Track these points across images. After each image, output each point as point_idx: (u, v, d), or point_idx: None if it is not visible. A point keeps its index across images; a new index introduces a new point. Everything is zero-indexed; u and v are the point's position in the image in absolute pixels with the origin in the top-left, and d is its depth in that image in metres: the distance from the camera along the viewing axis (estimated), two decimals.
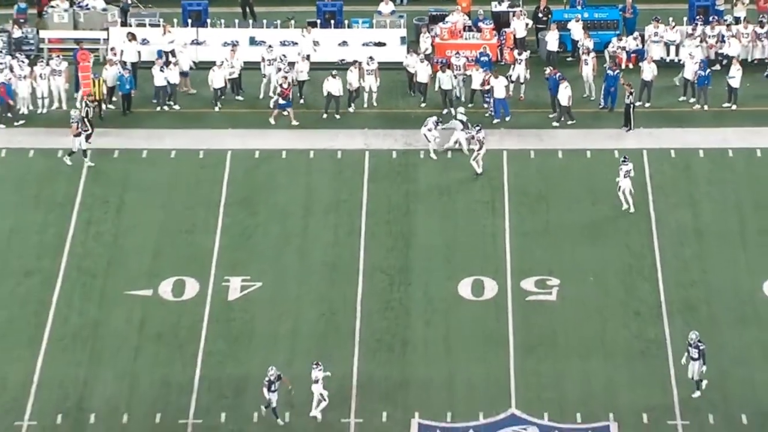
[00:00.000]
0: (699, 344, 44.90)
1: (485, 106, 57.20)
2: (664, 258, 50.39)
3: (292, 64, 57.76)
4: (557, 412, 44.89)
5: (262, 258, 50.60)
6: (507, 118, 56.82)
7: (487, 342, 47.46)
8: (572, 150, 55.36)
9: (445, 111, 57.04)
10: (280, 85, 56.48)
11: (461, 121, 55.06)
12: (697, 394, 44.90)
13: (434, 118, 54.79)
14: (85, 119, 54.67)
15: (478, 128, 53.59)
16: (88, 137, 54.21)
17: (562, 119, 56.57)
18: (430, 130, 54.48)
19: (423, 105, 57.84)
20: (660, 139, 55.77)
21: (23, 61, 57.27)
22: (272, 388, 43.75)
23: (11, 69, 56.87)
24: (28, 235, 51.27)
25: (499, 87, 56.41)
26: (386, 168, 54.64)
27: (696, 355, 44.84)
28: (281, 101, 56.55)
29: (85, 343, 47.21)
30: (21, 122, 56.54)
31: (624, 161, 51.23)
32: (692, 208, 52.24)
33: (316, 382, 44.03)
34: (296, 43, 59.18)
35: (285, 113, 56.74)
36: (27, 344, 47.13)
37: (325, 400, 44.11)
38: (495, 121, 56.55)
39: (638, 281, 49.53)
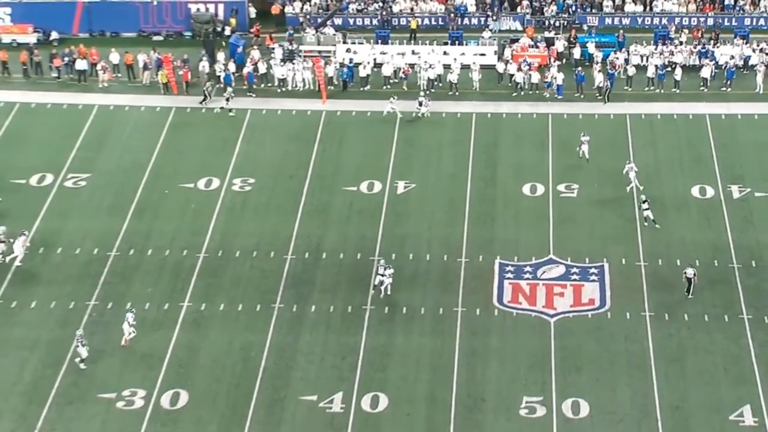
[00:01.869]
0: (647, 201, 45.84)
1: (546, 89, 56.03)
2: (639, 168, 49.41)
3: (431, 66, 57.11)
4: (575, 257, 44.85)
5: (415, 171, 50.34)
6: (559, 96, 55.93)
7: (538, 218, 47.24)
8: (588, 113, 54.40)
9: (514, 94, 56.07)
10: (403, 71, 56.56)
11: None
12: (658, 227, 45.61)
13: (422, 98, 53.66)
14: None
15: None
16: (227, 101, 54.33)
17: (600, 96, 55.65)
18: (420, 104, 53.74)
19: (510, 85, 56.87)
20: (636, 108, 54.75)
21: (298, 62, 57.51)
22: (381, 272, 42.78)
23: (289, 62, 57.20)
24: (291, 157, 51.21)
25: (560, 79, 55.84)
26: (484, 123, 53.91)
27: (647, 206, 45.67)
28: (403, 76, 56.51)
29: (320, 214, 47.43)
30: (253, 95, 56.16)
31: (629, 163, 49.00)
32: (652, 146, 51.53)
33: (384, 275, 42.52)
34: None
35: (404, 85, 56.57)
36: (290, 214, 47.39)
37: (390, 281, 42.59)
38: (558, 97, 55.54)
39: (620, 187, 48.72)
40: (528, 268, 44.38)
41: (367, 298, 42.82)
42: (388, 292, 42.46)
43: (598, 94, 55.60)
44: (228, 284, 43.50)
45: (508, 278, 43.89)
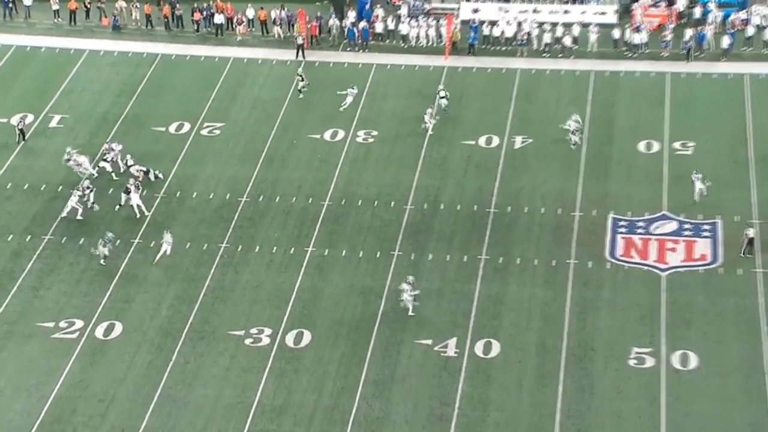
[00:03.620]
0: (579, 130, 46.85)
1: (663, 48, 54.50)
2: (756, 128, 48.38)
3: (553, 25, 55.99)
4: (688, 213, 43.94)
5: (532, 126, 49.60)
6: (684, 51, 54.15)
7: (652, 175, 46.28)
8: (706, 72, 53.02)
9: (631, 54, 54.63)
10: (524, 32, 55.32)
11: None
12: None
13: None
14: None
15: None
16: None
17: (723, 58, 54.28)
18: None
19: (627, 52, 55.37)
20: (752, 67, 53.09)
21: (422, 19, 57.03)
22: (408, 284, 39.12)
23: (414, 19, 56.78)
24: (413, 111, 50.56)
25: (687, 35, 54.13)
26: (600, 81, 52.86)
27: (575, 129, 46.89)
28: (520, 41, 55.29)
29: (438, 167, 47.14)
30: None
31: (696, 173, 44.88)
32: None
33: (405, 291, 39.17)
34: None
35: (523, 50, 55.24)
36: (410, 166, 47.18)
37: (415, 302, 39.11)
38: (683, 52, 53.88)
39: (737, 146, 47.65)
40: (641, 223, 43.63)
41: (482, 248, 42.55)
42: (410, 313, 39.26)
43: (723, 57, 54.02)
44: (350, 231, 43.70)
45: (621, 233, 43.20)
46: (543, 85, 52.93)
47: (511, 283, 41.00)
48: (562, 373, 37.09)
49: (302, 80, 51.93)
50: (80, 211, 44.37)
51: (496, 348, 38.21)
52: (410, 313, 39.30)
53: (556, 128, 49.37)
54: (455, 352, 38.01)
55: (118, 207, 44.91)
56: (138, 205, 44.51)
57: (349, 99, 50.44)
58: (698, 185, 44.18)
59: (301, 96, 51.83)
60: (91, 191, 44.88)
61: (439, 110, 49.85)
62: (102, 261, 42.05)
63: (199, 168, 47.83)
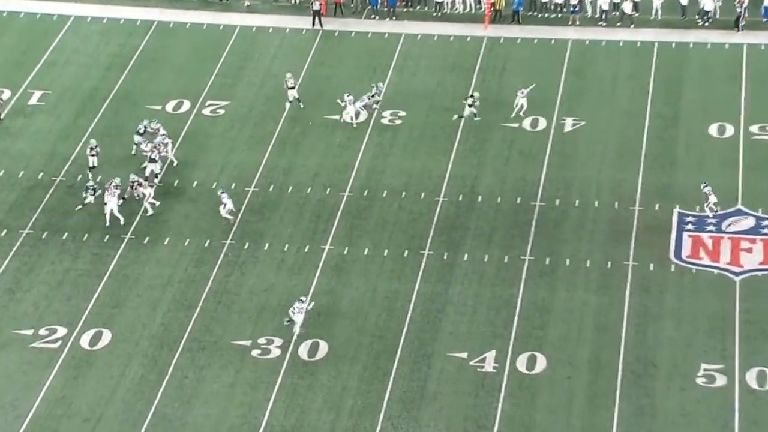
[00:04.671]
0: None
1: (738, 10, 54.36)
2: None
3: None
4: (766, 208, 43.88)
5: (586, 106, 49.67)
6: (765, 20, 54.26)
7: (724, 163, 46.23)
8: None
9: (701, 23, 54.46)
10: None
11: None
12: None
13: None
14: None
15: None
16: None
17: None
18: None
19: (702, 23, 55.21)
20: None
21: None
22: (294, 312, 38.81)
23: None
24: (447, 88, 50.85)
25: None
26: (667, 53, 52.78)
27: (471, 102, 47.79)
28: (574, 9, 55.02)
29: (476, 154, 47.15)
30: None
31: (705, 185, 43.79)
32: None
33: (298, 312, 38.75)
34: None
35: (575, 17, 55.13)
36: (443, 152, 47.20)
37: (294, 323, 38.83)
38: (764, 20, 53.98)
39: None
40: (711, 220, 43.54)
41: (527, 247, 42.54)
42: (295, 336, 38.71)
43: None
44: (373, 227, 43.77)
45: (688, 230, 43.15)
46: (598, 58, 52.93)
47: (559, 287, 40.94)
48: (618, 393, 36.97)
49: (292, 88, 49.99)
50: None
51: (541, 363, 38.18)
52: (300, 328, 38.87)
53: (613, 108, 49.44)
54: (494, 367, 37.98)
55: (121, 201, 44.67)
56: (150, 202, 44.63)
57: (350, 108, 49.05)
58: (712, 199, 43.55)
59: (303, 105, 50.31)
60: (117, 187, 44.27)
61: (369, 109, 49.40)
62: (80, 206, 44.25)
63: (200, 153, 47.96)
